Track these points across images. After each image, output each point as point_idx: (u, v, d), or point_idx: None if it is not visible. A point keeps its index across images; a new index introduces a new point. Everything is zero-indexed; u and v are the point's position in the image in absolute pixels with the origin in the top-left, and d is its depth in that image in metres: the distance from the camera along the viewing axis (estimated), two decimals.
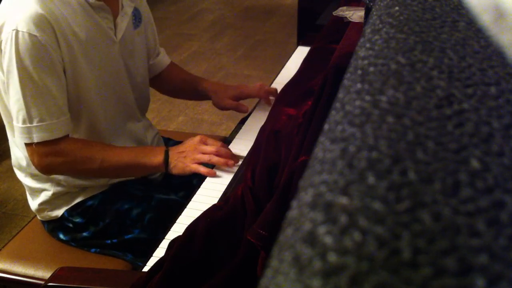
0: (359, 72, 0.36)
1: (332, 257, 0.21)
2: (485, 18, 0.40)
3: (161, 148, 1.28)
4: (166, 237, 1.10)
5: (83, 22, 1.20)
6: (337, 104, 0.34)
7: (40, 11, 1.10)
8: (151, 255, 1.06)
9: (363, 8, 1.39)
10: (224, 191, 1.21)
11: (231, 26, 4.57)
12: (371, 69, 0.35)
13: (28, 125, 1.15)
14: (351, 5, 1.73)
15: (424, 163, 0.26)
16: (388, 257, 0.21)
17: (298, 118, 1.04)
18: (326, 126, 0.32)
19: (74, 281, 1.00)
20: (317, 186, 0.26)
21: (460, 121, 0.29)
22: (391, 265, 0.21)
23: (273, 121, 1.12)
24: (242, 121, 1.57)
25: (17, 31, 1.09)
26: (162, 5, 4.98)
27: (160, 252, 1.04)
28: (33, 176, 1.31)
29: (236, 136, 1.47)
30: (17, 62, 1.10)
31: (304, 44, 2.02)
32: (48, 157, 1.20)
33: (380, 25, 0.42)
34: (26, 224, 1.41)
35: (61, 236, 1.32)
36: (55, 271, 1.03)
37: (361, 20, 1.42)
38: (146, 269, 1.00)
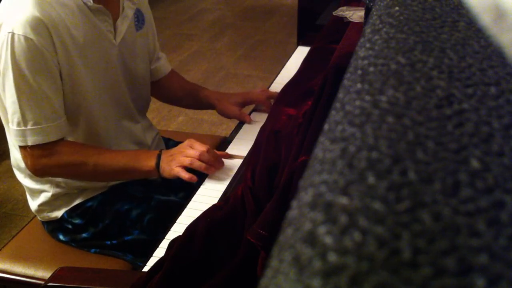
0: (359, 72, 0.36)
1: (332, 257, 0.21)
2: (485, 18, 0.40)
3: (155, 152, 1.26)
4: (166, 237, 1.10)
5: (82, 25, 1.19)
6: (337, 104, 0.34)
7: (37, 14, 1.10)
8: (151, 255, 1.06)
9: (363, 8, 1.39)
10: (224, 191, 1.21)
11: (231, 26, 4.57)
12: (371, 69, 0.35)
13: (23, 128, 1.14)
14: (351, 5, 1.73)
15: (424, 163, 0.26)
16: (388, 257, 0.21)
17: (298, 118, 1.04)
18: (326, 126, 0.32)
19: (74, 281, 1.00)
20: (317, 186, 0.26)
21: (460, 121, 0.29)
22: (391, 265, 0.21)
23: (273, 121, 1.12)
24: (242, 121, 1.57)
25: (13, 34, 1.09)
26: (162, 5, 4.98)
27: (160, 252, 1.04)
28: (32, 177, 1.31)
29: (236, 136, 1.47)
30: (12, 65, 1.10)
31: (304, 44, 2.02)
32: (42, 159, 1.19)
33: (380, 25, 0.42)
34: (26, 224, 1.41)
35: (61, 237, 1.32)
36: (55, 271, 1.03)
37: (361, 20, 1.42)
38: (146, 269, 1.00)
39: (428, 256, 0.21)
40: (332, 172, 0.26)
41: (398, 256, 0.21)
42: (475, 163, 0.26)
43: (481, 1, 0.41)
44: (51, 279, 1.01)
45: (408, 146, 0.27)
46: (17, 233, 1.37)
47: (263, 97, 1.58)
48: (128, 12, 1.32)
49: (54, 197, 1.31)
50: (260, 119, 1.50)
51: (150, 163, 1.23)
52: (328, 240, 0.22)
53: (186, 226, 0.98)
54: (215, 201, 1.12)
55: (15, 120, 1.14)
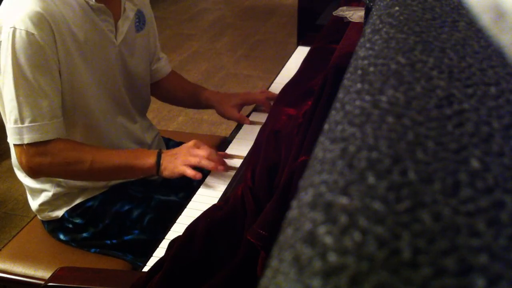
0: (359, 72, 0.36)
1: (332, 257, 0.21)
2: (485, 18, 0.40)
3: (154, 151, 1.26)
4: (166, 237, 1.10)
5: (83, 23, 1.19)
6: (337, 104, 0.34)
7: (39, 9, 1.10)
8: (151, 255, 1.06)
9: (363, 8, 1.39)
10: (224, 191, 1.21)
11: (231, 26, 4.57)
12: (371, 69, 0.35)
13: (20, 125, 1.14)
14: (351, 5, 1.73)
15: (424, 163, 0.26)
16: (388, 257, 0.21)
17: (298, 118, 1.03)
18: (326, 126, 0.32)
19: (74, 281, 1.00)
20: (317, 186, 0.26)
21: (460, 121, 0.29)
22: (391, 265, 0.21)
23: (273, 121, 1.12)
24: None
25: (14, 29, 1.09)
26: (162, 5, 4.98)
27: (160, 252, 1.04)
28: None
29: (236, 136, 1.47)
30: (12, 60, 1.10)
31: (304, 44, 2.02)
32: (36, 158, 1.17)
33: (380, 25, 0.42)
34: (26, 224, 1.41)
35: (61, 236, 1.32)
36: (55, 271, 1.03)
37: (361, 20, 1.42)
38: (146, 269, 1.01)
39: (428, 256, 0.21)
40: (332, 172, 0.26)
41: (398, 256, 0.21)
42: (475, 163, 0.26)
43: (481, 1, 0.41)
44: (51, 279, 1.01)
45: (408, 146, 0.27)
46: (17, 233, 1.37)
47: (262, 98, 1.58)
48: (129, 13, 1.32)
49: (55, 197, 1.30)
50: (260, 119, 1.51)
51: (150, 160, 1.23)
52: (328, 240, 0.22)
53: (186, 226, 0.98)
54: (215, 201, 1.12)
55: (12, 117, 1.14)
